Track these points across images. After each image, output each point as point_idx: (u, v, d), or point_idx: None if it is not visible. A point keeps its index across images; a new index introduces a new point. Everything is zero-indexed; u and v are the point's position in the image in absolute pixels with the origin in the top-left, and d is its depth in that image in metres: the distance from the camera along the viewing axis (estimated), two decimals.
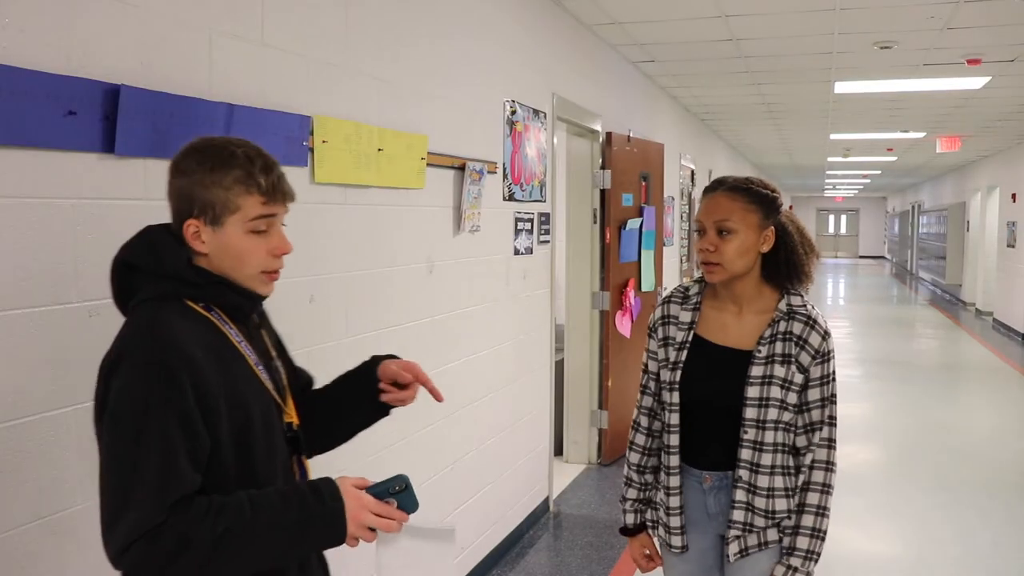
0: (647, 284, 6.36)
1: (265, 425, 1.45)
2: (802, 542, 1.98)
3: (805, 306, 2.03)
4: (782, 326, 2.00)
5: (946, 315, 15.33)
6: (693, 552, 2.11)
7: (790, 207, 2.17)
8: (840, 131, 11.02)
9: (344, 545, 1.40)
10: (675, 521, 2.09)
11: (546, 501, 4.93)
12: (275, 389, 1.51)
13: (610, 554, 4.31)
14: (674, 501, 2.08)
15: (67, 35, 1.79)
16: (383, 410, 1.69)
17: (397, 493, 1.43)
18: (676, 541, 2.09)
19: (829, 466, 2.01)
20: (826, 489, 2.01)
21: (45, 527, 1.78)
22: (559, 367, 5.63)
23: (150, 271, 1.40)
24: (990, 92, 7.58)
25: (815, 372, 1.99)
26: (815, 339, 1.99)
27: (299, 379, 1.69)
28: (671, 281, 8.13)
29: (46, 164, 1.76)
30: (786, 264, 2.03)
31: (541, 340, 4.78)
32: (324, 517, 1.35)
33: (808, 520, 1.99)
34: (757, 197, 2.00)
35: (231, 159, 1.40)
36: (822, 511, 2.00)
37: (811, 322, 2.00)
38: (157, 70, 2.01)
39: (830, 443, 2.01)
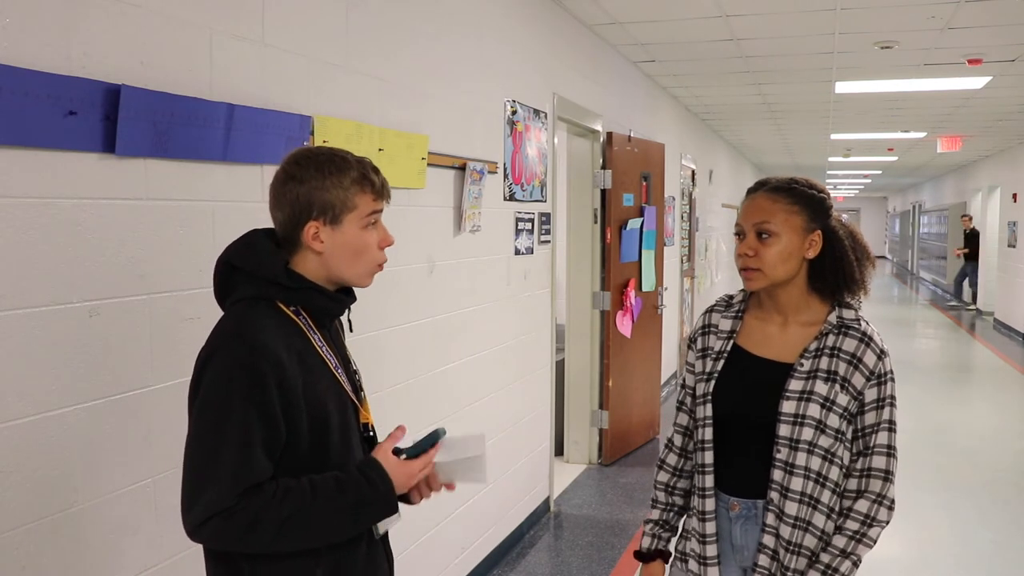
0: (648, 284, 6.36)
1: (342, 423, 1.57)
2: (824, 558, 1.77)
3: (859, 321, 1.83)
4: (830, 340, 1.81)
5: (947, 315, 15.32)
6: None
7: None
8: (841, 131, 11.01)
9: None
10: (711, 550, 1.88)
11: (547, 501, 4.93)
12: (353, 391, 1.63)
13: (611, 554, 4.31)
14: (710, 527, 1.88)
15: (67, 35, 1.79)
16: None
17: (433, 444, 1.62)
18: (712, 574, 1.88)
19: (881, 499, 1.78)
20: (868, 521, 1.77)
21: (46, 527, 1.78)
22: (560, 367, 5.63)
23: (248, 272, 1.53)
24: (991, 92, 7.58)
25: (870, 395, 1.80)
26: (870, 358, 1.79)
27: None
28: (672, 281, 8.13)
29: (46, 164, 1.76)
30: (833, 272, 1.83)
31: (542, 340, 4.78)
32: (377, 498, 1.51)
33: (839, 542, 1.77)
34: (801, 198, 1.83)
35: (344, 163, 1.55)
36: (859, 537, 1.77)
37: (866, 339, 1.80)
38: (158, 70, 2.01)
39: (886, 475, 1.79)
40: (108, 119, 1.85)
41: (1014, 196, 12.74)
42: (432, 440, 1.63)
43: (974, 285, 16.13)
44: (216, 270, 1.57)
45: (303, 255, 1.56)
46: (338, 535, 1.51)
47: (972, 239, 15.91)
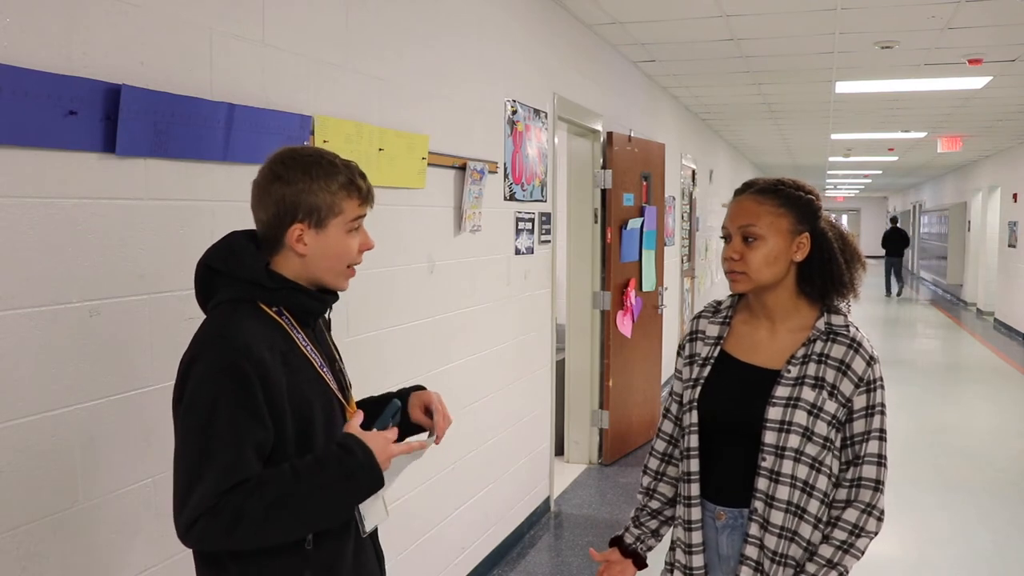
0: (648, 284, 6.36)
1: (327, 423, 1.56)
2: (810, 568, 1.74)
3: (848, 326, 1.80)
4: (818, 346, 1.78)
5: (947, 315, 15.32)
6: None
7: None
8: (841, 131, 11.01)
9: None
10: (697, 560, 1.85)
11: (547, 501, 4.93)
12: (339, 389, 1.63)
13: None
14: (696, 537, 1.85)
15: (68, 35, 1.79)
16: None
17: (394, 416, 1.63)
18: None
19: (870, 510, 1.74)
20: (856, 531, 1.74)
21: (46, 526, 1.78)
22: (560, 367, 5.63)
23: (229, 275, 1.52)
24: (991, 92, 7.58)
25: (859, 402, 1.76)
26: (859, 365, 1.76)
27: None
28: (672, 281, 8.13)
29: (47, 164, 1.76)
30: (820, 275, 1.80)
31: (542, 340, 4.78)
32: (362, 467, 1.47)
33: (826, 552, 1.74)
34: (788, 200, 1.80)
35: (332, 167, 1.54)
36: (847, 548, 1.74)
37: (855, 345, 1.77)
38: (158, 70, 2.01)
39: (876, 485, 1.74)
40: (108, 119, 1.85)
41: (1014, 196, 12.74)
42: (392, 411, 1.63)
43: (895, 275, 19.02)
44: (196, 273, 1.56)
45: (285, 256, 1.54)
46: (328, 515, 1.48)
47: (888, 237, 18.63)
